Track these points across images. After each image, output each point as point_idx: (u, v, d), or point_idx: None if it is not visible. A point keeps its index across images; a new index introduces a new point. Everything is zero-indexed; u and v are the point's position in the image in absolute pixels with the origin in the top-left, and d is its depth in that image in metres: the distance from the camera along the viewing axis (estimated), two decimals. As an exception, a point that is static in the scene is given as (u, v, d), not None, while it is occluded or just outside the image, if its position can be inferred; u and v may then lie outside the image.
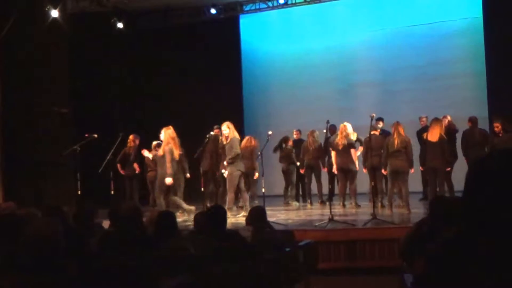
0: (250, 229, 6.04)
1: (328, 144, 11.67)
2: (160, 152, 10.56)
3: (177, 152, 10.50)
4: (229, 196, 10.87)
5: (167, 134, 10.50)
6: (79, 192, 10.92)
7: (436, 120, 10.73)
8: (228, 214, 10.38)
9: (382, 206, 11.11)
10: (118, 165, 12.16)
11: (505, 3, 13.28)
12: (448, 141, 10.50)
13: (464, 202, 1.85)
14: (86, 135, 10.91)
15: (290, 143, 12.64)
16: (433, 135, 10.29)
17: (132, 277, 4.15)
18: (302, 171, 12.69)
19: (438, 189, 10.61)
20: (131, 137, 12.22)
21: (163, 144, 10.48)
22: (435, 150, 10.41)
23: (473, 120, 11.39)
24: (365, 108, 14.32)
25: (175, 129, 12.38)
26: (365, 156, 11.26)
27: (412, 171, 10.66)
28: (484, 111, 13.34)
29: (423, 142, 10.60)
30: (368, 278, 7.88)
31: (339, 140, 11.30)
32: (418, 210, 10.64)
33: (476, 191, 1.79)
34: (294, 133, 13.21)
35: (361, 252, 8.24)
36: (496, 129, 10.58)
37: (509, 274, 1.65)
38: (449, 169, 10.73)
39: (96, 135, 11.13)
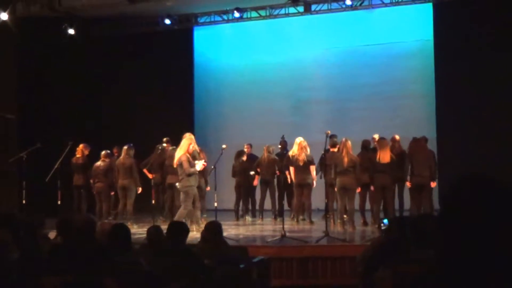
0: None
1: (284, 159, 11.65)
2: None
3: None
4: (188, 210, 10.68)
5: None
6: (23, 201, 10.60)
7: (384, 141, 10.89)
8: (192, 227, 10.31)
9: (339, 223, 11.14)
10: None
11: (455, 27, 13.61)
12: (397, 162, 10.72)
13: (443, 224, 1.82)
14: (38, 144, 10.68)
15: (245, 157, 12.60)
16: (384, 156, 10.51)
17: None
18: (255, 183, 12.70)
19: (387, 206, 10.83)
20: (81, 146, 11.96)
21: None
22: (384, 170, 10.59)
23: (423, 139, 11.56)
24: (316, 124, 14.41)
25: (126, 140, 12.22)
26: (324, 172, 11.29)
27: (358, 190, 10.85)
28: (433, 132, 13.56)
29: (372, 163, 10.77)
30: (320, 295, 7.86)
31: (299, 156, 11.31)
32: (367, 228, 10.78)
33: (455, 216, 1.77)
34: (245, 147, 13.12)
35: (313, 270, 8.22)
36: None
37: None
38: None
39: (39, 144, 10.90)
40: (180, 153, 10.38)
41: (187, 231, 5.64)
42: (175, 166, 10.56)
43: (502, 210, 1.71)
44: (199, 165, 10.43)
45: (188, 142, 10.45)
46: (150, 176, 12.06)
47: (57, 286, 3.97)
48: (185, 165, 10.14)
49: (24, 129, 13.01)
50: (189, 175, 10.20)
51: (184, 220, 10.42)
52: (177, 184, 11.07)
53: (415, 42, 14.77)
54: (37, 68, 14.13)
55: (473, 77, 13.24)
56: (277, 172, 11.95)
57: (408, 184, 10.93)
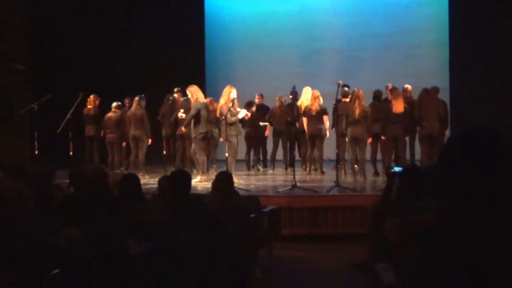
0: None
1: (295, 109, 11.58)
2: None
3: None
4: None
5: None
6: (36, 152, 10.67)
7: (397, 90, 10.83)
8: (203, 177, 10.36)
9: (350, 173, 11.13)
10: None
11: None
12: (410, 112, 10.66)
13: (446, 175, 1.82)
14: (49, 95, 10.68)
15: (254, 108, 12.52)
16: (398, 106, 10.44)
17: (101, 242, 4.04)
18: (266, 134, 12.71)
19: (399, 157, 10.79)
20: (91, 97, 11.97)
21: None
22: (397, 120, 10.54)
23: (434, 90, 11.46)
24: (327, 74, 14.34)
25: (136, 90, 12.19)
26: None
27: (370, 140, 10.79)
28: (446, 82, 13.44)
29: (385, 113, 10.70)
30: (330, 244, 7.91)
31: (312, 106, 11.23)
32: (378, 178, 10.79)
33: (460, 166, 1.77)
34: (256, 97, 13.03)
35: (324, 219, 8.28)
36: None
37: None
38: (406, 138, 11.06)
39: (50, 96, 10.91)
40: (221, 102, 10.40)
41: (189, 177, 5.63)
42: (218, 115, 10.59)
43: (505, 161, 1.71)
44: (242, 113, 10.44)
45: (228, 90, 10.45)
46: (164, 132, 12.04)
47: (76, 235, 4.02)
48: (226, 113, 10.09)
49: (35, 80, 12.98)
50: (231, 124, 10.22)
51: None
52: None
53: (429, -10, 14.52)
54: (49, 19, 14.00)
55: (488, 26, 13.00)
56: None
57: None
